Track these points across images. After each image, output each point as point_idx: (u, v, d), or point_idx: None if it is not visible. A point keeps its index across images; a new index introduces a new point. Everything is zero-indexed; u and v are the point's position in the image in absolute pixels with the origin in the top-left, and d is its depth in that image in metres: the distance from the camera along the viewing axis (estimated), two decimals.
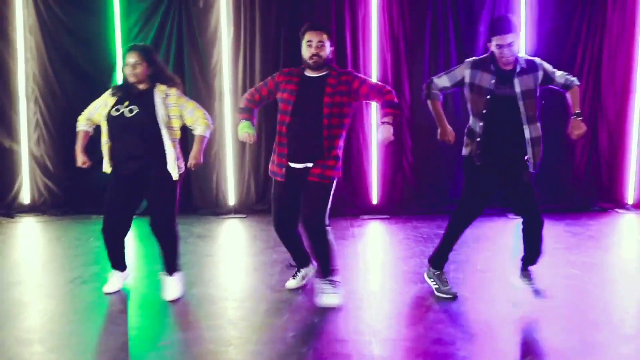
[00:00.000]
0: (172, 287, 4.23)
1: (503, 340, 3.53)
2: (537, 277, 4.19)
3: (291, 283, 4.43)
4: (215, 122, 6.89)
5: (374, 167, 7.03)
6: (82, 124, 4.33)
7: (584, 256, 5.14)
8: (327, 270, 4.10)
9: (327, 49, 3.96)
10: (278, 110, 4.04)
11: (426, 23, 6.83)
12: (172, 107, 4.09)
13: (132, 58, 4.01)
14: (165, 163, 4.06)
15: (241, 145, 7.07)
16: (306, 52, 3.96)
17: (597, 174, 7.13)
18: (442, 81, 4.07)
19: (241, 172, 7.13)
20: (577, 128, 3.99)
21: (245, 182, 7.13)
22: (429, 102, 4.13)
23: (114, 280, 4.37)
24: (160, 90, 4.09)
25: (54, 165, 7.20)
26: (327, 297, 4.03)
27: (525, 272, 4.15)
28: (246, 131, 4.01)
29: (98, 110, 4.20)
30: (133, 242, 6.11)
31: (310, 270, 4.45)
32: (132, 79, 4.04)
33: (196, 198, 7.15)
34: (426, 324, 3.72)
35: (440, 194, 7.05)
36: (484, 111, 3.89)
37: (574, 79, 4.06)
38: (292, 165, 4.02)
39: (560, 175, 7.00)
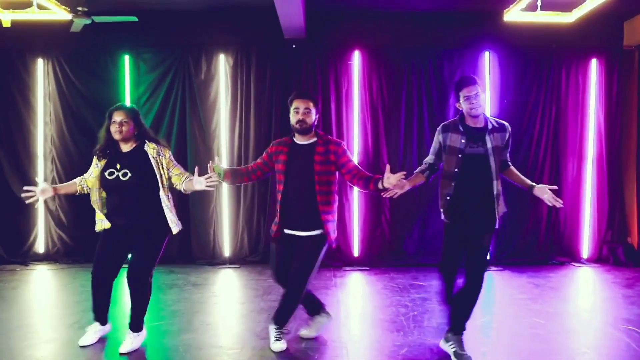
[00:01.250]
0: (129, 341, 3.80)
1: None
2: (504, 325, 3.88)
3: (305, 332, 4.05)
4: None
5: (355, 223, 6.78)
6: (77, 181, 4.02)
7: (547, 306, 4.84)
8: (282, 320, 3.82)
9: (313, 116, 3.75)
10: (275, 181, 3.81)
11: (402, 96, 6.72)
12: (166, 167, 3.81)
13: (119, 116, 3.75)
14: (160, 219, 3.75)
15: (236, 204, 6.83)
16: (293, 118, 3.74)
17: (556, 231, 6.88)
18: (429, 158, 3.79)
19: (236, 227, 6.85)
20: (544, 191, 3.66)
21: (239, 236, 6.85)
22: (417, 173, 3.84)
23: (91, 334, 3.95)
24: (151, 149, 3.79)
25: (67, 218, 6.90)
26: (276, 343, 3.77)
27: (456, 337, 3.67)
28: (217, 171, 3.74)
29: (92, 174, 3.89)
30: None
31: (324, 318, 4.08)
32: (117, 136, 3.74)
33: (195, 249, 6.84)
34: None
35: (415, 249, 6.77)
36: (456, 170, 3.60)
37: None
38: (288, 232, 3.74)
39: (522, 232, 6.77)
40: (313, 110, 3.74)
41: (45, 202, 6.86)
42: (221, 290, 5.61)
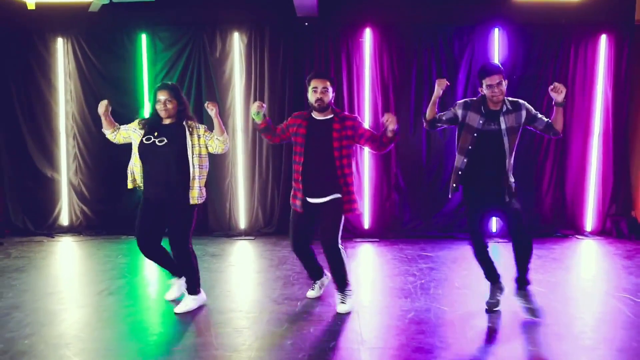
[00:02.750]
0: (184, 303, 4.18)
1: (476, 350, 3.50)
2: (505, 294, 4.16)
3: (311, 293, 4.49)
4: (229, 156, 7.02)
5: (365, 195, 7.04)
6: (118, 125, 4.33)
7: (549, 276, 5.12)
8: (343, 284, 4.16)
9: (330, 94, 4.03)
10: (292, 152, 4.11)
11: (412, 74, 6.92)
12: (202, 138, 4.06)
13: (163, 95, 4.03)
14: (188, 190, 4.01)
15: (251, 178, 7.11)
16: (312, 96, 4.01)
17: (560, 204, 7.11)
18: (440, 115, 4.10)
19: (250, 200, 7.15)
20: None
21: (254, 209, 7.15)
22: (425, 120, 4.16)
23: (174, 288, 4.41)
24: (190, 126, 4.07)
25: (89, 192, 7.25)
26: (342, 305, 4.12)
27: (522, 292, 4.04)
28: (258, 118, 4.12)
29: (127, 129, 4.21)
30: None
31: (325, 280, 4.52)
32: (163, 114, 4.04)
33: (211, 221, 7.17)
34: (408, 335, 3.71)
35: (424, 221, 7.05)
36: (470, 147, 3.93)
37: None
38: (310, 200, 4.05)
39: (527, 205, 6.95)
40: (330, 89, 4.03)
41: (68, 177, 7.21)
42: (238, 260, 5.94)
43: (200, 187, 4.07)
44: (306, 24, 6.89)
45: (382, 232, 7.01)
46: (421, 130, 6.92)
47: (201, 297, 4.26)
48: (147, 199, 4.09)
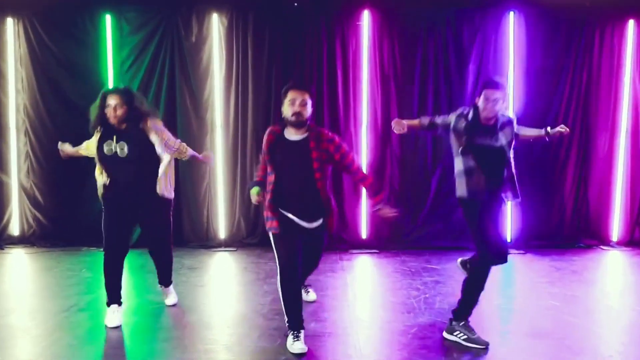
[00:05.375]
0: (171, 294, 5.19)
1: None
2: (520, 308, 4.63)
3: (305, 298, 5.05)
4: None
5: (363, 202, 7.47)
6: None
7: (566, 289, 5.63)
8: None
9: (309, 109, 4.14)
10: (268, 172, 4.28)
11: (416, 63, 7.36)
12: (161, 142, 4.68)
13: (113, 100, 4.53)
14: (155, 187, 4.68)
15: (232, 180, 7.51)
16: (289, 110, 4.10)
17: (584, 212, 7.65)
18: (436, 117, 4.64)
19: (232, 206, 7.54)
20: (557, 131, 4.60)
21: (236, 217, 7.55)
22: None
23: (115, 315, 4.72)
24: (148, 128, 4.63)
25: (43, 196, 7.62)
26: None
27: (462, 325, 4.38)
28: (256, 194, 4.32)
29: (86, 146, 4.88)
30: (124, 274, 6.54)
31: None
32: (112, 120, 4.55)
33: (187, 231, 7.55)
34: (411, 350, 4.17)
35: (429, 229, 7.50)
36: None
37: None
38: (302, 224, 4.22)
39: (546, 214, 7.52)
40: (309, 102, 4.15)
41: (19, 179, 7.59)
42: (219, 273, 6.37)
43: (166, 180, 4.72)
44: (295, 4, 7.30)
45: (382, 243, 7.47)
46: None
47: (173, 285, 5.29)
48: (115, 205, 4.66)
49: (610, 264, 6.88)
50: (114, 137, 4.57)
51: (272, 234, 4.25)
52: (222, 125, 7.48)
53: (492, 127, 4.37)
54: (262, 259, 6.93)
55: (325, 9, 7.35)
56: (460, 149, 4.40)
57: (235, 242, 7.54)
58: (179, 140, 4.92)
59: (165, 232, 4.93)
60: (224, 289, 5.83)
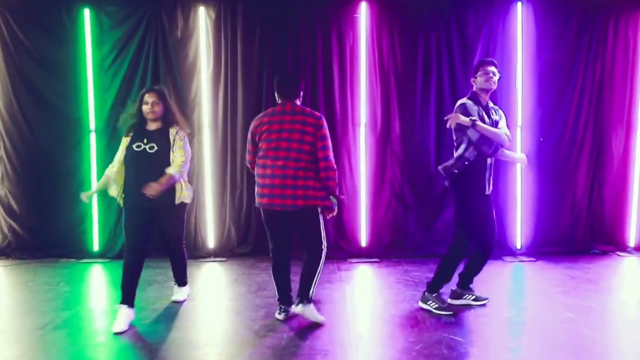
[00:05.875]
0: (181, 292, 5.61)
1: None
2: (531, 321, 4.53)
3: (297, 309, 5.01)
4: (193, 159, 7.21)
5: (362, 207, 7.40)
6: (107, 174, 5.21)
7: (582, 300, 5.52)
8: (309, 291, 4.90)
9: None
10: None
11: (418, 57, 7.30)
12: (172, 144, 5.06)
13: (150, 98, 5.05)
14: (174, 192, 5.08)
15: (221, 185, 7.42)
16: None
17: (598, 216, 7.56)
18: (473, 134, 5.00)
19: (221, 213, 7.45)
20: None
21: (226, 225, 7.46)
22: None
23: (123, 319, 4.88)
24: (173, 129, 5.09)
25: (19, 205, 7.50)
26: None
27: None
28: None
29: (120, 152, 5.12)
30: (105, 287, 6.44)
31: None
32: (150, 117, 5.04)
33: None
34: None
35: (433, 236, 7.42)
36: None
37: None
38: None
39: (558, 218, 7.43)
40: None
41: None
42: (207, 286, 6.26)
43: (185, 184, 5.13)
44: None
45: (383, 251, 7.38)
46: (429, 126, 7.33)
47: (188, 289, 5.72)
48: (134, 208, 4.99)
49: (628, 271, 6.77)
50: (145, 140, 5.02)
51: None
52: (210, 126, 7.40)
53: (486, 106, 5.06)
54: (254, 269, 6.82)
55: (320, 0, 7.28)
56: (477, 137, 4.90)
57: (225, 252, 7.46)
58: (184, 156, 5.08)
59: (181, 233, 5.35)
60: (212, 303, 5.71)
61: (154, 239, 5.83)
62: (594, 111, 7.44)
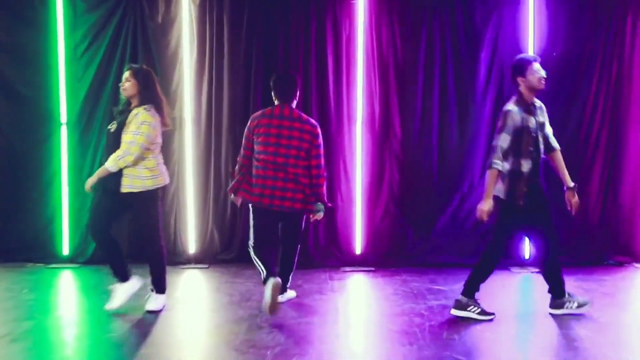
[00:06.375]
0: (156, 300, 5.35)
1: None
2: (542, 338, 4.33)
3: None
4: (174, 156, 7.17)
5: (357, 211, 7.22)
6: None
7: (598, 315, 5.33)
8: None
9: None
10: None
11: (420, 49, 7.15)
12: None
13: (125, 74, 5.22)
14: (141, 182, 5.14)
15: (204, 185, 7.26)
16: None
17: (613, 223, 7.37)
18: (504, 141, 4.97)
19: (203, 215, 7.29)
20: (572, 197, 5.29)
21: (208, 228, 7.29)
22: (489, 171, 5.00)
23: (117, 295, 5.24)
24: (133, 112, 5.14)
25: None
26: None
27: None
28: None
29: None
30: (75, 295, 6.26)
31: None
32: (122, 94, 5.22)
33: None
34: None
35: (434, 243, 7.27)
36: (531, 149, 5.01)
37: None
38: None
39: (569, 227, 7.17)
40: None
41: None
42: (187, 295, 6.06)
43: (150, 170, 5.17)
44: None
45: (380, 259, 7.21)
46: (431, 125, 7.18)
47: (165, 297, 5.45)
48: (102, 189, 5.20)
49: None
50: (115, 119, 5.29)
51: None
52: (193, 121, 7.23)
53: (532, 107, 5.09)
54: (238, 277, 6.63)
55: None
56: (530, 149, 5.01)
57: (207, 258, 7.28)
58: (131, 144, 5.09)
59: (150, 225, 5.27)
60: (190, 314, 5.51)
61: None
62: (611, 109, 7.27)
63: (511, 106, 5.02)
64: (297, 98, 5.48)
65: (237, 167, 5.48)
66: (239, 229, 7.23)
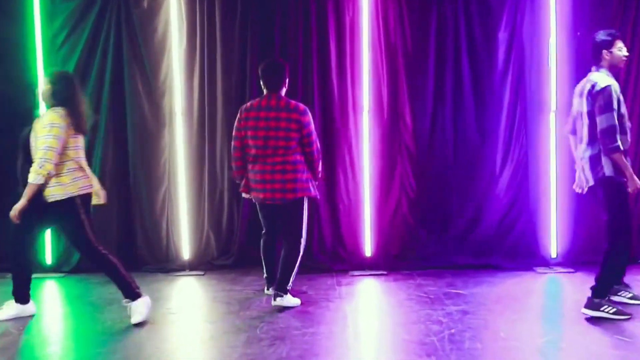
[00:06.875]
0: (134, 310, 5.20)
1: None
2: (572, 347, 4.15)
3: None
4: (164, 153, 7.08)
5: (366, 210, 7.11)
6: None
7: (635, 320, 5.15)
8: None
9: None
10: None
11: (430, 32, 7.05)
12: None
13: (44, 79, 5.30)
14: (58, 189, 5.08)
15: (198, 185, 7.16)
16: None
17: None
18: (614, 119, 4.99)
19: (198, 217, 7.19)
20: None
21: (204, 232, 7.21)
22: (616, 155, 4.99)
23: (9, 308, 5.35)
24: (42, 114, 5.25)
25: None
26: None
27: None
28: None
29: None
30: (59, 307, 6.18)
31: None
32: (42, 100, 5.28)
33: (141, 250, 7.18)
34: None
35: (451, 243, 7.15)
36: (629, 123, 5.19)
37: None
38: None
39: (600, 220, 6.94)
40: None
41: None
42: (180, 305, 5.93)
43: (60, 183, 5.06)
44: None
45: (391, 261, 7.10)
46: (445, 114, 7.07)
47: (147, 299, 5.30)
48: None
49: None
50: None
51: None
52: (184, 114, 7.11)
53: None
54: (236, 285, 6.49)
55: None
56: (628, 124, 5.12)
57: (202, 264, 7.17)
58: (44, 150, 5.03)
59: (80, 239, 5.19)
60: (184, 325, 5.37)
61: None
62: None
63: (606, 79, 5.08)
64: (286, 86, 5.66)
65: (232, 160, 5.83)
66: (237, 231, 7.13)
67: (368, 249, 7.12)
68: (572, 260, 7.03)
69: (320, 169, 5.75)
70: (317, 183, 5.78)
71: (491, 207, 7.01)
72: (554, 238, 7.06)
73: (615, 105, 4.98)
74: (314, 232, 6.98)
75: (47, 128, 5.01)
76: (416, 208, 7.17)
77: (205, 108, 7.07)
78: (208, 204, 7.15)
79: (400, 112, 7.09)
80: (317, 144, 5.66)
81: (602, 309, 5.11)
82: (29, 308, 5.42)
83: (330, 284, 6.50)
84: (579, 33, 6.97)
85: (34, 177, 4.96)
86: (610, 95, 4.97)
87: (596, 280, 5.16)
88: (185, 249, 7.15)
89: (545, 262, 7.02)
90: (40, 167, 4.95)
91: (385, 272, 6.90)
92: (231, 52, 7.04)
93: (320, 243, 7.12)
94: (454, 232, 7.16)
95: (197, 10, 7.02)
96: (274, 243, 5.94)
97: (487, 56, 7.04)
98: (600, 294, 5.15)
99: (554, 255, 7.04)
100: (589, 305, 5.15)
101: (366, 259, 7.12)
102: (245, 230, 7.03)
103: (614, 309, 5.10)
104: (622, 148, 4.95)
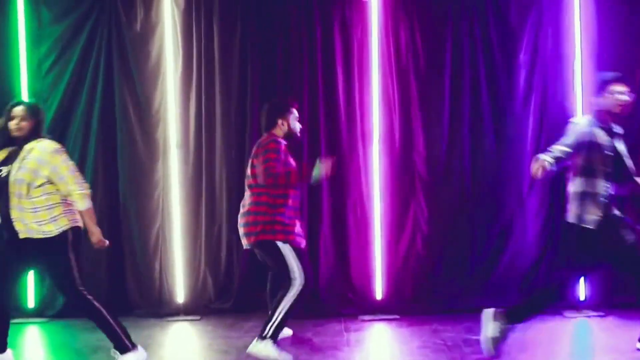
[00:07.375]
0: None
1: None
2: None
3: None
4: (157, 188, 7.03)
5: (376, 248, 7.01)
6: None
7: None
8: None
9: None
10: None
11: (445, 52, 7.02)
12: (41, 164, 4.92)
13: (19, 112, 5.02)
14: (47, 226, 4.92)
15: (194, 221, 7.10)
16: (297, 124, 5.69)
17: None
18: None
19: (194, 257, 7.12)
20: None
21: (200, 273, 7.13)
22: None
23: None
24: (27, 147, 4.95)
25: None
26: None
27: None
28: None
29: None
30: (42, 354, 6.13)
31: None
32: (16, 133, 5.00)
33: (131, 293, 7.10)
34: None
35: (469, 284, 7.04)
36: (609, 170, 5.03)
37: None
38: None
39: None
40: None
41: None
42: (174, 353, 5.85)
43: (53, 217, 4.91)
44: None
45: (405, 305, 6.98)
46: (462, 141, 7.00)
47: (140, 354, 5.03)
48: (3, 240, 5.00)
49: None
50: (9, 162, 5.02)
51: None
52: (180, 145, 7.05)
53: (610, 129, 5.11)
54: (234, 331, 6.38)
55: None
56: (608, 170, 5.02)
57: (199, 308, 7.06)
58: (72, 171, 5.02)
59: (67, 281, 5.00)
60: None
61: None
62: None
63: (590, 119, 5.17)
64: (278, 125, 5.58)
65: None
66: (237, 271, 7.04)
67: (379, 290, 7.01)
68: (603, 302, 6.87)
69: (295, 177, 5.36)
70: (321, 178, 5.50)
71: (512, 246, 6.90)
72: (582, 278, 6.83)
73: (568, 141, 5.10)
74: (320, 272, 6.90)
75: (59, 158, 4.97)
76: (431, 245, 7.07)
77: (203, 137, 7.04)
78: (205, 242, 7.09)
79: (413, 139, 7.05)
80: (276, 165, 5.34)
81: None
82: (5, 357, 5.22)
83: (338, 330, 6.38)
84: (600, 52, 6.96)
85: (87, 201, 4.97)
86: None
87: None
88: (180, 292, 7.05)
89: (574, 305, 6.86)
90: (83, 189, 4.95)
91: (397, 317, 6.78)
92: (230, 78, 7.04)
93: (328, 284, 7.01)
94: (473, 271, 7.06)
95: (194, 33, 7.03)
96: (278, 285, 5.62)
97: (506, 80, 7.00)
98: None
99: (582, 297, 6.89)
100: None
101: (377, 301, 7.00)
102: (246, 271, 6.92)
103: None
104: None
